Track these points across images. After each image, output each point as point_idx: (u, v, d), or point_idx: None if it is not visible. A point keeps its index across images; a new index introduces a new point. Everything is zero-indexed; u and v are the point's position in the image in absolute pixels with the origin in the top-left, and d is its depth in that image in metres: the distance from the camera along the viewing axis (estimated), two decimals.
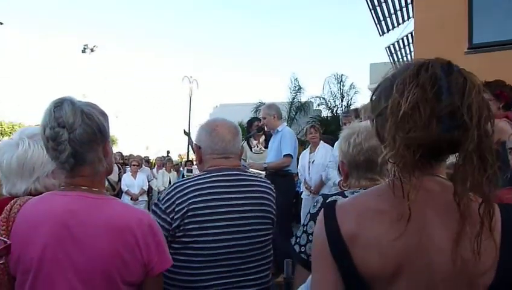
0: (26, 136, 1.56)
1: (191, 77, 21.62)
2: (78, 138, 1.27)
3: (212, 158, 1.92)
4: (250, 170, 3.71)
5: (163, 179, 10.62)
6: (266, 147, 5.59)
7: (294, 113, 19.18)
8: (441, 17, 5.16)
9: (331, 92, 19.17)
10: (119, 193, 8.78)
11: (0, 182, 1.60)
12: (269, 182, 2.06)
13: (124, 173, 9.37)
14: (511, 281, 0.88)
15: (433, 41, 5.04)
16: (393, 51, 12.09)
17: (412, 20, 8.49)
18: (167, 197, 1.78)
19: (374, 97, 1.01)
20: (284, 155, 4.93)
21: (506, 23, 5.16)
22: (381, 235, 0.90)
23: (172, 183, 1.88)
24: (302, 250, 1.56)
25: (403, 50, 11.92)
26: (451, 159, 0.91)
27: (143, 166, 10.30)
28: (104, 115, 1.37)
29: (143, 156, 12.46)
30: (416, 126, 0.85)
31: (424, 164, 0.90)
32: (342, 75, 19.21)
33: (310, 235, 1.52)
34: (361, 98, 19.00)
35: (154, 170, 11.24)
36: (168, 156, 14.37)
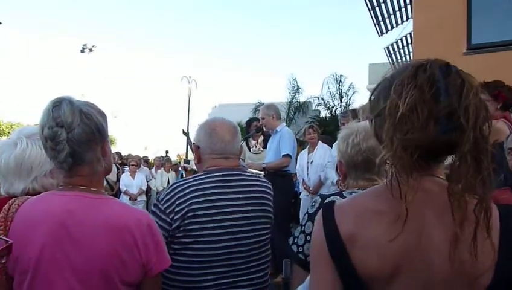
0: (24, 136, 1.56)
1: (190, 77, 21.62)
2: (76, 138, 1.27)
3: (212, 158, 1.92)
4: (249, 170, 3.71)
5: (162, 179, 10.62)
6: (265, 147, 5.60)
7: (293, 113, 19.16)
8: (439, 17, 5.16)
9: (330, 92, 19.17)
10: (117, 193, 8.78)
11: None
12: (268, 181, 2.06)
13: (123, 173, 9.37)
14: (510, 282, 0.88)
15: (432, 42, 5.04)
16: (392, 52, 12.10)
17: (410, 21, 8.49)
18: (167, 198, 1.77)
19: (372, 97, 1.01)
20: (283, 155, 4.94)
21: (504, 24, 5.16)
22: (380, 236, 0.91)
23: (171, 184, 1.87)
24: (300, 250, 1.56)
25: (401, 50, 11.93)
26: (451, 159, 0.92)
27: (142, 166, 10.29)
28: (102, 114, 1.37)
29: (142, 156, 12.45)
30: (414, 128, 0.85)
31: (422, 165, 0.90)
32: (340, 75, 19.18)
33: (308, 236, 1.52)
34: (360, 99, 19.02)
35: (153, 170, 11.24)
36: (166, 156, 14.37)
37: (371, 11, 9.03)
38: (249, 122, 6.31)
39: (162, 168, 11.05)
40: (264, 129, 5.56)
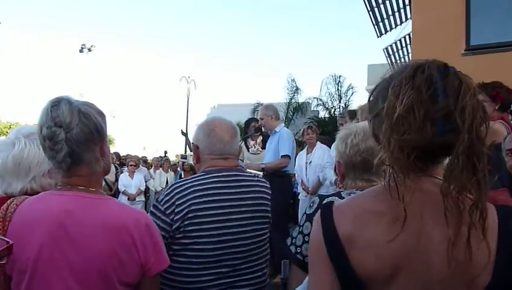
0: (22, 136, 1.56)
1: (188, 77, 21.66)
2: (75, 138, 1.26)
3: (211, 159, 1.91)
4: (248, 170, 3.71)
5: (160, 180, 10.61)
6: (263, 148, 5.60)
7: (291, 114, 19.17)
8: (438, 18, 5.17)
9: (329, 93, 19.19)
10: (116, 193, 8.76)
11: None
12: (266, 181, 2.06)
13: (121, 173, 9.36)
14: (508, 282, 0.88)
15: (431, 43, 5.05)
16: (391, 52, 12.10)
17: (409, 22, 8.51)
18: (166, 199, 1.76)
19: (371, 98, 1.01)
20: (282, 156, 4.94)
21: (503, 25, 5.17)
22: (378, 237, 0.91)
23: (171, 184, 1.87)
24: (298, 251, 1.55)
25: (400, 51, 11.94)
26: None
27: (140, 166, 10.28)
28: (101, 114, 1.37)
29: (140, 156, 12.44)
30: (411, 128, 0.85)
31: (419, 166, 0.90)
32: (339, 76, 19.22)
33: (306, 236, 1.52)
34: (359, 99, 19.05)
35: (152, 170, 11.23)
36: (165, 156, 14.35)
37: (370, 12, 9.04)
38: (248, 122, 6.31)
39: (161, 169, 11.03)
40: (263, 130, 5.56)
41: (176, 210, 1.72)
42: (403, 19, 9.63)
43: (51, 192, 1.37)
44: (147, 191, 9.95)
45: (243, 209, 1.84)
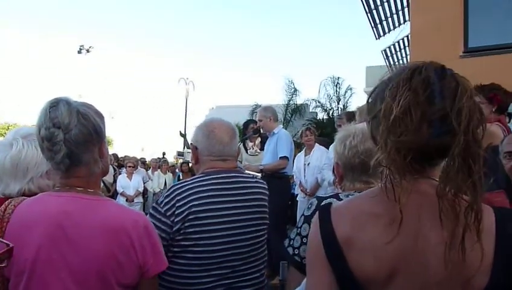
0: (20, 136, 1.55)
1: (187, 78, 21.67)
2: (73, 139, 1.26)
3: (210, 160, 1.91)
4: (246, 171, 3.71)
5: (158, 181, 10.60)
6: (262, 149, 5.60)
7: (290, 115, 19.17)
8: (437, 20, 5.18)
9: (328, 94, 19.20)
10: (114, 195, 8.75)
11: None
12: (264, 182, 2.06)
13: (119, 174, 9.35)
14: (506, 285, 0.88)
15: (429, 45, 5.06)
16: (389, 54, 12.14)
17: (408, 24, 8.53)
18: (166, 200, 1.75)
19: (370, 100, 1.02)
20: (280, 157, 4.94)
21: (501, 27, 5.19)
22: (376, 239, 0.91)
23: (170, 186, 1.86)
24: (296, 252, 1.55)
25: (398, 53, 11.97)
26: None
27: (139, 167, 10.27)
28: (100, 115, 1.36)
29: (139, 158, 12.42)
30: (407, 130, 0.86)
31: (416, 168, 0.90)
32: (338, 77, 19.23)
33: (304, 238, 1.52)
34: (357, 101, 19.05)
35: (150, 172, 11.21)
36: (163, 157, 14.34)
37: (369, 14, 9.07)
38: (246, 124, 6.33)
39: (159, 170, 11.03)
40: (262, 131, 5.57)
41: (176, 212, 1.71)
42: (401, 20, 9.67)
43: (49, 193, 1.36)
44: (145, 193, 9.94)
45: (242, 210, 1.84)
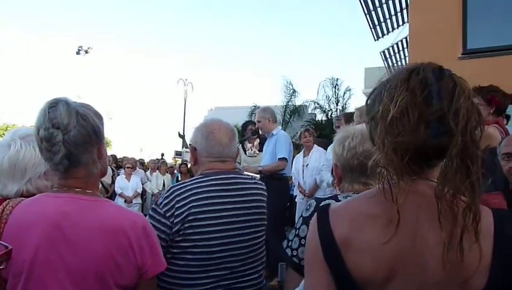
0: (18, 137, 1.55)
1: (186, 79, 21.68)
2: (72, 139, 1.26)
3: (209, 161, 1.91)
4: (245, 172, 3.71)
5: (157, 182, 10.58)
6: (260, 150, 5.60)
7: (288, 116, 19.19)
8: (436, 21, 5.20)
9: (326, 96, 19.24)
10: (112, 196, 8.74)
11: None
12: (263, 183, 2.06)
13: (118, 176, 9.34)
14: (504, 286, 0.88)
15: (428, 46, 5.07)
16: (387, 56, 12.16)
17: (406, 25, 8.55)
18: (166, 202, 1.75)
19: (369, 101, 1.02)
20: (279, 158, 4.95)
21: (500, 29, 5.21)
22: (374, 239, 0.91)
23: (170, 187, 1.86)
24: (294, 254, 1.55)
25: (397, 55, 11.99)
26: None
27: (137, 168, 10.26)
28: (98, 116, 1.36)
29: (137, 159, 12.42)
30: (405, 131, 0.86)
31: (414, 169, 0.90)
32: (337, 79, 19.28)
33: (302, 239, 1.51)
34: (356, 102, 19.08)
35: (148, 173, 11.20)
36: (162, 158, 14.34)
37: (367, 15, 9.09)
38: (245, 125, 6.33)
39: (158, 171, 11.02)
40: (260, 132, 5.57)
41: (176, 213, 1.71)
42: (400, 22, 9.69)
43: (47, 194, 1.36)
44: (143, 194, 9.94)
45: (241, 211, 1.84)
